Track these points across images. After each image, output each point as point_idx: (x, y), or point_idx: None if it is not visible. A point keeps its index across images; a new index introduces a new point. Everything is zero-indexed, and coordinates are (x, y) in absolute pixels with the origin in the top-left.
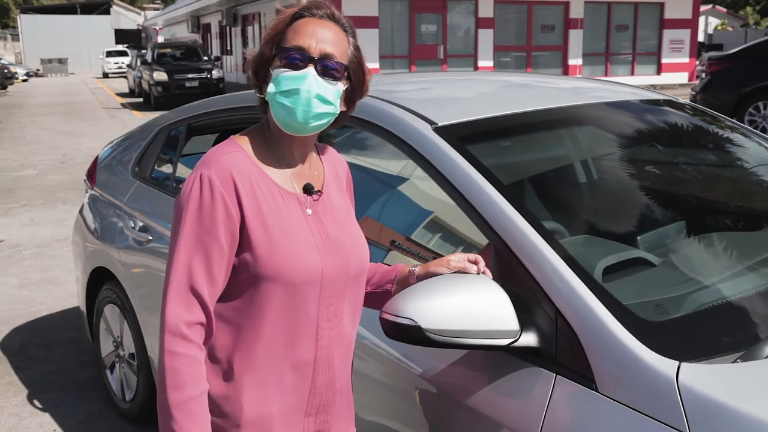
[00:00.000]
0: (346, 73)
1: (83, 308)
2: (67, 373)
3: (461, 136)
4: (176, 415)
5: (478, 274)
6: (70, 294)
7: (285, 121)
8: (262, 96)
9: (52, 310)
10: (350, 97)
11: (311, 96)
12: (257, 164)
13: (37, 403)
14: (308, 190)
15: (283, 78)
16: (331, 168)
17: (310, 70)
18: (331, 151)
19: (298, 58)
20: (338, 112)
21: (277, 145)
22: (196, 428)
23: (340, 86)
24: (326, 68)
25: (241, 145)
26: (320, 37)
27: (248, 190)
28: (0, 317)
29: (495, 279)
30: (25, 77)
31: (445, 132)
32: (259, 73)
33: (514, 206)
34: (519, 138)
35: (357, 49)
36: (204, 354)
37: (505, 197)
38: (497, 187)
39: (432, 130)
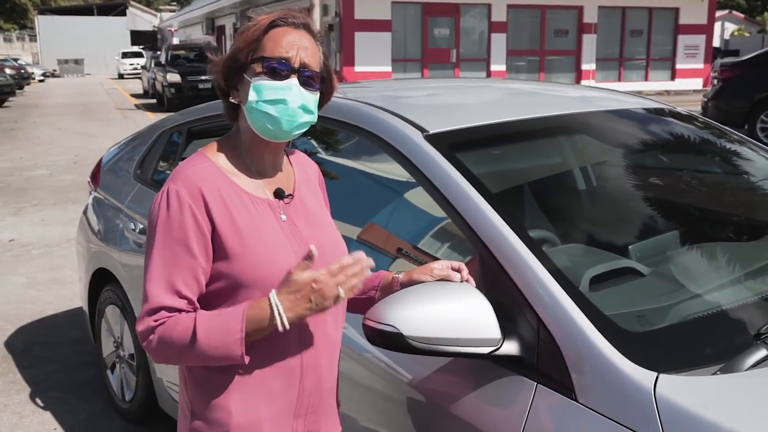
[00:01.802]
0: (321, 81)
1: (86, 308)
2: (70, 373)
3: (452, 143)
4: (206, 337)
5: (462, 282)
6: (77, 294)
7: (267, 129)
8: (234, 102)
9: (58, 310)
10: (319, 103)
11: (297, 106)
12: (226, 174)
13: (39, 401)
14: (279, 194)
15: (267, 87)
16: (302, 171)
17: (294, 81)
18: (300, 154)
19: (282, 68)
20: (316, 119)
21: (247, 153)
22: (224, 318)
23: (317, 95)
24: (307, 78)
25: (208, 157)
26: (300, 46)
27: (217, 200)
28: (7, 316)
29: (479, 287)
30: (41, 78)
31: (435, 140)
32: (231, 79)
33: (500, 214)
34: (510, 146)
35: (325, 56)
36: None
37: (491, 205)
38: (484, 195)
39: (423, 137)
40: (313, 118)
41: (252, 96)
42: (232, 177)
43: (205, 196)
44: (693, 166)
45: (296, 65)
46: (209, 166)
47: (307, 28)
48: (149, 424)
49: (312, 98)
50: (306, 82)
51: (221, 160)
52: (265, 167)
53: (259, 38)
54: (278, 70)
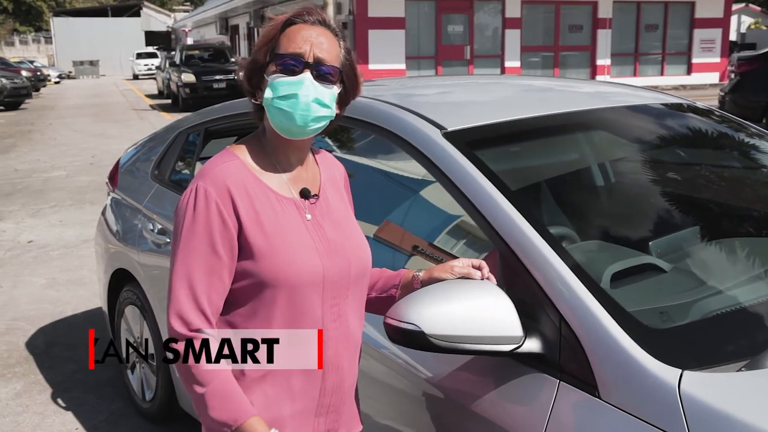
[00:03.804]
0: (339, 77)
1: (105, 308)
2: (90, 373)
3: (470, 141)
4: (211, 403)
5: (482, 279)
6: (96, 294)
7: (283, 125)
8: (257, 102)
9: (77, 310)
10: (343, 100)
11: (309, 100)
12: (253, 172)
13: (60, 401)
14: (305, 194)
15: (280, 83)
16: (328, 171)
17: (307, 75)
18: (326, 154)
19: (294, 64)
20: (334, 114)
21: (273, 152)
22: (232, 406)
23: (335, 89)
24: (321, 72)
25: (236, 155)
26: (314, 42)
27: (244, 198)
28: (27, 317)
29: (500, 285)
30: (57, 79)
31: (454, 137)
32: (253, 79)
33: (520, 212)
34: (529, 143)
35: (348, 52)
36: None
37: (512, 203)
38: (504, 193)
39: (441, 135)
40: (329, 112)
41: (268, 93)
42: (259, 175)
43: (232, 194)
44: (713, 161)
45: (310, 60)
46: (237, 164)
47: (323, 24)
48: (169, 424)
49: (327, 92)
50: (321, 76)
51: (248, 158)
52: (291, 166)
53: (275, 37)
54: (291, 65)
